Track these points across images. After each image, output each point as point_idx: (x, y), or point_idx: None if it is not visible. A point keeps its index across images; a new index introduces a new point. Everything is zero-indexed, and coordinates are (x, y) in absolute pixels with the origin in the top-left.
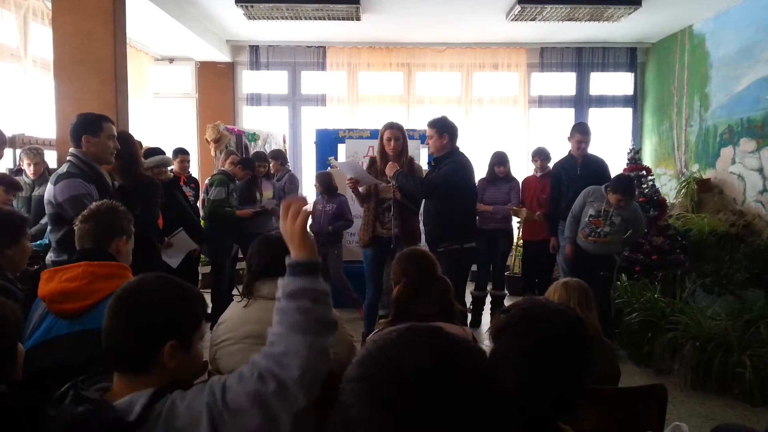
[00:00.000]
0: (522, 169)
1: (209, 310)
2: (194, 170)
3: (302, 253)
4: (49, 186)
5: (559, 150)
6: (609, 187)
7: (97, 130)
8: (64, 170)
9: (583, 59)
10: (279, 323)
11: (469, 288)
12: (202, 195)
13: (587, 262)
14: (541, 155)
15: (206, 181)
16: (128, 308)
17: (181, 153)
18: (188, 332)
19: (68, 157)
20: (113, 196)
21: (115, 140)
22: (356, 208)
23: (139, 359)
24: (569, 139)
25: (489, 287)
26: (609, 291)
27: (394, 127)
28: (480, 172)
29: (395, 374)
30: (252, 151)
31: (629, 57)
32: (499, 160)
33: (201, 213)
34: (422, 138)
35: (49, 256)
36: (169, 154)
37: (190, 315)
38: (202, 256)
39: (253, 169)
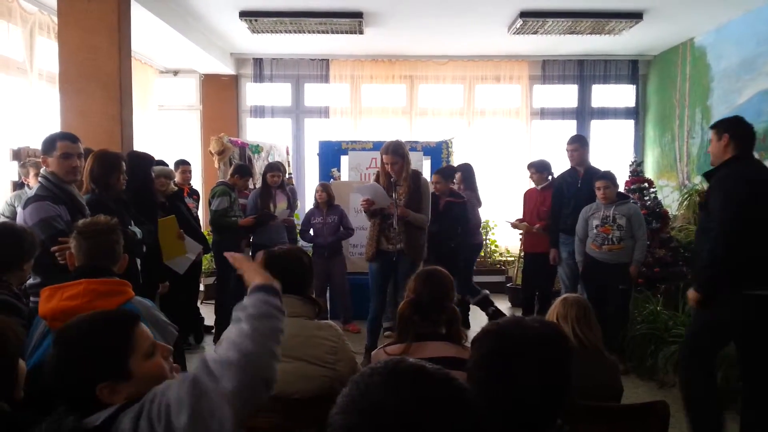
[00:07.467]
0: (524, 181)
1: (212, 322)
2: (198, 182)
3: (265, 278)
4: (19, 210)
5: (561, 162)
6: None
7: (50, 150)
8: (32, 193)
9: (584, 71)
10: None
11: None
12: (204, 206)
13: (602, 276)
14: (533, 166)
15: (209, 195)
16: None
17: (183, 164)
18: (116, 366)
19: (39, 179)
20: (85, 216)
21: (74, 158)
22: (356, 220)
23: (88, 409)
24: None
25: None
26: (627, 305)
27: (389, 152)
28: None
29: (380, 427)
30: (255, 163)
31: (631, 69)
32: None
33: (202, 224)
34: (425, 150)
35: None
36: (171, 166)
37: (104, 352)
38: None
39: (251, 176)
